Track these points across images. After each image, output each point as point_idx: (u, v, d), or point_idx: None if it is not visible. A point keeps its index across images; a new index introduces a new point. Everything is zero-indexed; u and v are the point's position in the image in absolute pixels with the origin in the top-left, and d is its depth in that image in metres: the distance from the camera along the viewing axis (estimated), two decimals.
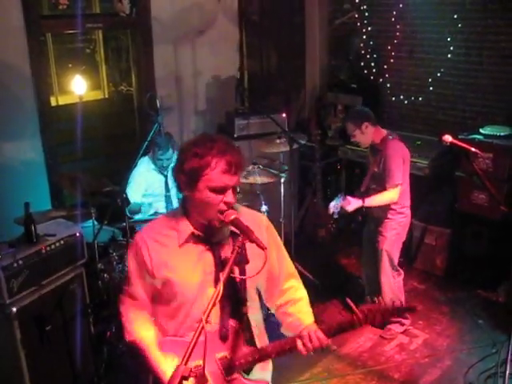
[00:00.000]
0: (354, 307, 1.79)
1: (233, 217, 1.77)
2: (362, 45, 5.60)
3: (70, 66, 4.59)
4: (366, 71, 5.61)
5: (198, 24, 5.02)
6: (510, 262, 4.06)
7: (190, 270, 1.86)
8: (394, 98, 5.45)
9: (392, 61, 5.39)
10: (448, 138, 2.86)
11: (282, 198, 4.31)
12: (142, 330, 1.93)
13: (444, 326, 4.04)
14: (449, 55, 4.92)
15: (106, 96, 4.93)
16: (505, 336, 3.52)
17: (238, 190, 3.97)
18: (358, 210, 3.69)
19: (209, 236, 1.87)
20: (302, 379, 3.51)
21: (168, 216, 1.98)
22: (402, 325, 3.94)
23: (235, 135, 4.94)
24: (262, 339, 2.00)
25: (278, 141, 4.34)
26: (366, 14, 5.51)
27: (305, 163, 5.33)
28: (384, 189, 3.62)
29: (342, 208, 3.61)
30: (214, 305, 1.57)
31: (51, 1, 4.19)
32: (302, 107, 6.09)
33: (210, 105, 5.31)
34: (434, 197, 4.85)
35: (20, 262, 2.74)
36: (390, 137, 3.70)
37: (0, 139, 3.89)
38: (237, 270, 1.82)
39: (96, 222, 3.39)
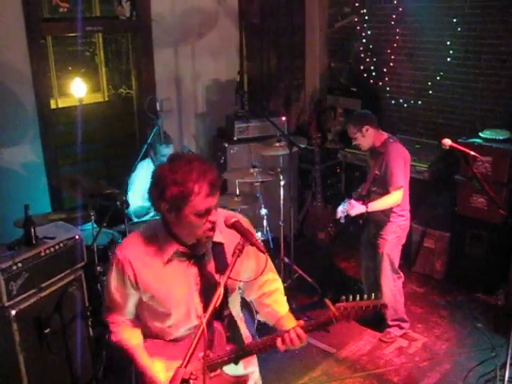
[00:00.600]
0: (330, 305, 1.85)
1: (233, 220, 1.77)
2: (361, 48, 5.62)
3: (70, 68, 4.58)
4: (365, 74, 5.63)
5: (197, 27, 5.03)
6: (509, 265, 4.06)
7: (176, 286, 1.87)
8: (393, 102, 5.47)
9: (392, 64, 5.41)
10: (447, 141, 2.86)
11: (282, 201, 4.31)
12: (125, 332, 1.98)
13: (443, 329, 4.04)
14: (448, 59, 4.93)
15: (106, 99, 4.92)
16: (504, 339, 3.53)
17: (238, 193, 4.00)
18: (361, 214, 3.70)
19: (194, 251, 1.87)
20: (301, 383, 3.50)
21: (149, 234, 1.90)
22: (401, 328, 3.94)
23: (235, 138, 4.94)
24: (242, 328, 2.06)
25: (277, 144, 4.33)
26: (366, 17, 5.53)
27: (304, 166, 5.32)
28: (386, 191, 3.62)
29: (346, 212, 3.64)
30: (214, 308, 1.58)
31: (52, 4, 4.19)
32: (301, 110, 6.10)
33: (209, 108, 5.32)
34: (434, 200, 4.85)
35: (19, 264, 2.74)
36: (391, 140, 3.70)
37: (0, 142, 3.89)
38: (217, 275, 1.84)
39: (95, 225, 3.39)
